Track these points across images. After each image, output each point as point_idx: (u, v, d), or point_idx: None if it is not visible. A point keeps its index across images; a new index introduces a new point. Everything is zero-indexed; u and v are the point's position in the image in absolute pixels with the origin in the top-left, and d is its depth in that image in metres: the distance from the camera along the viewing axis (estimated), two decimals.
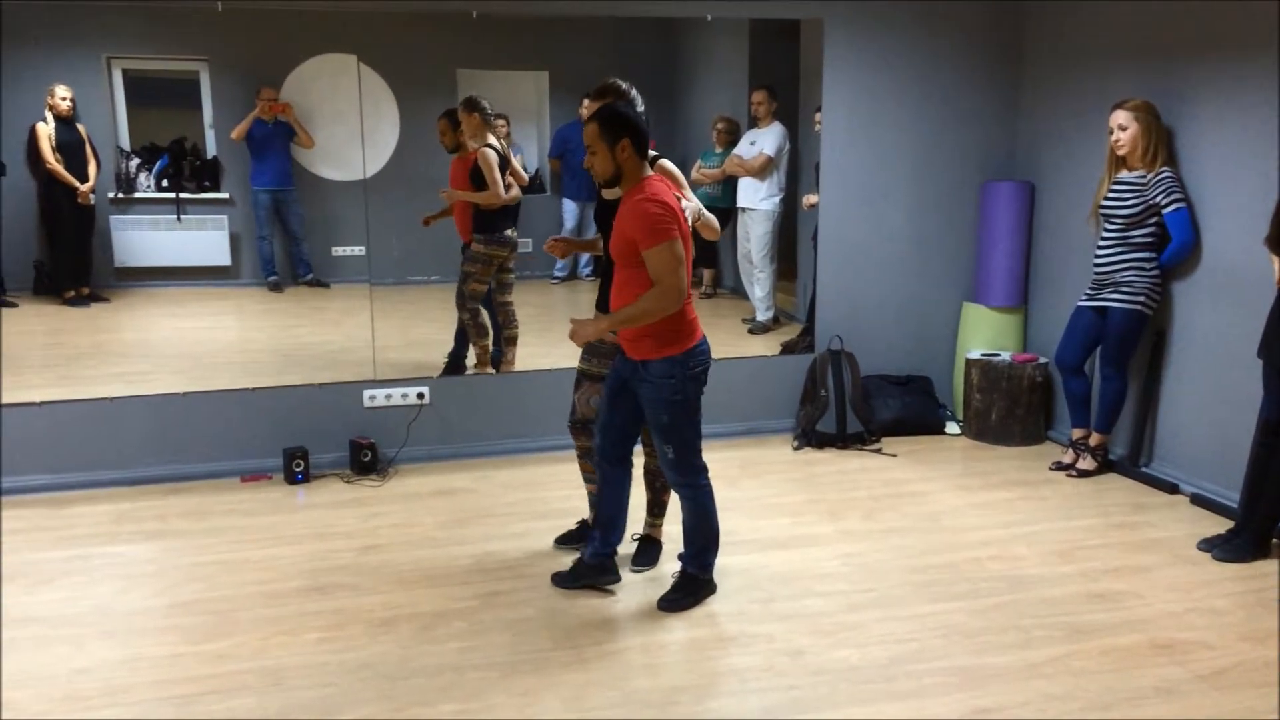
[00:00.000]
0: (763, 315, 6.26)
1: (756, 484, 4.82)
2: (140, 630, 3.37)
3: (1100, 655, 3.25)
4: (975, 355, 5.50)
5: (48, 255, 5.93)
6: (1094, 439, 4.93)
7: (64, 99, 5.72)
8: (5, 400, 4.70)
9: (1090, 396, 4.98)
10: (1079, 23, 5.19)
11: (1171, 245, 4.59)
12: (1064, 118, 5.33)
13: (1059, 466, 5.01)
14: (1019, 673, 3.14)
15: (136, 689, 3.02)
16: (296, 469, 4.78)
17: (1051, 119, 5.43)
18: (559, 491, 4.67)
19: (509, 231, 5.36)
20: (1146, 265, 4.65)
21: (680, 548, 3.66)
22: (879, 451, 5.31)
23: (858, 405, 5.44)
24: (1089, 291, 4.85)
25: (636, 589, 3.69)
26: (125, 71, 5.99)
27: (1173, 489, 4.69)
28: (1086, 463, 4.93)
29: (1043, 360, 5.42)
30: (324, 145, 5.82)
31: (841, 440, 5.38)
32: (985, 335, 5.59)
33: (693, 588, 3.61)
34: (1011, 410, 5.36)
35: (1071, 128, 5.28)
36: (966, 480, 4.89)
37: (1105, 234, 4.75)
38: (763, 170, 6.05)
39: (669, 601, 3.56)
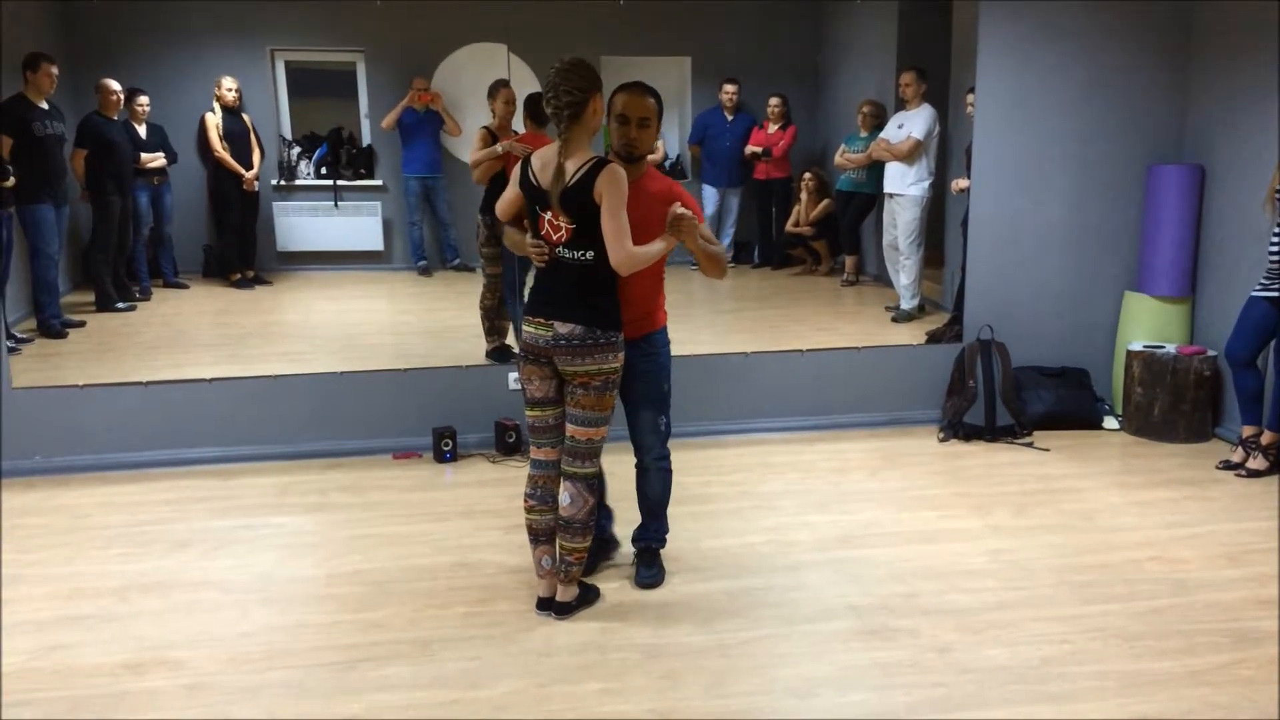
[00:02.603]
0: (908, 303, 6.12)
1: (900, 475, 4.72)
2: (301, 598, 3.54)
3: (1270, 664, 3.08)
4: (1137, 347, 5.25)
5: (215, 239, 6.26)
6: (1266, 437, 4.66)
7: (230, 90, 6.02)
8: (182, 376, 4.99)
9: (1263, 392, 4.70)
10: None
11: None
12: (1237, 97, 5.03)
13: (1227, 465, 4.75)
14: (1181, 679, 3.00)
15: (297, 654, 3.17)
16: (445, 448, 4.92)
17: (1224, 99, 5.12)
18: (696, 476, 4.68)
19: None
20: None
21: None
22: (1030, 445, 5.13)
23: (1008, 397, 5.27)
24: (1263, 281, 4.58)
25: (778, 579, 3.67)
26: (287, 63, 6.27)
27: None
28: (1257, 462, 4.66)
29: (1211, 353, 5.14)
30: (472, 133, 5.94)
31: (990, 433, 5.22)
32: (1148, 326, 5.33)
33: (660, 561, 3.71)
34: (1176, 405, 5.10)
35: (1246, 107, 4.97)
36: (1125, 478, 4.68)
37: None
38: (911, 154, 5.91)
39: (650, 579, 3.62)
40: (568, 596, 3.41)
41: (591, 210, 3.11)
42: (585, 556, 3.41)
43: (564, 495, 3.37)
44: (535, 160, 3.20)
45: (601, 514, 3.71)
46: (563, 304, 3.20)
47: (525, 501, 3.42)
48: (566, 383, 3.30)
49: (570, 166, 3.11)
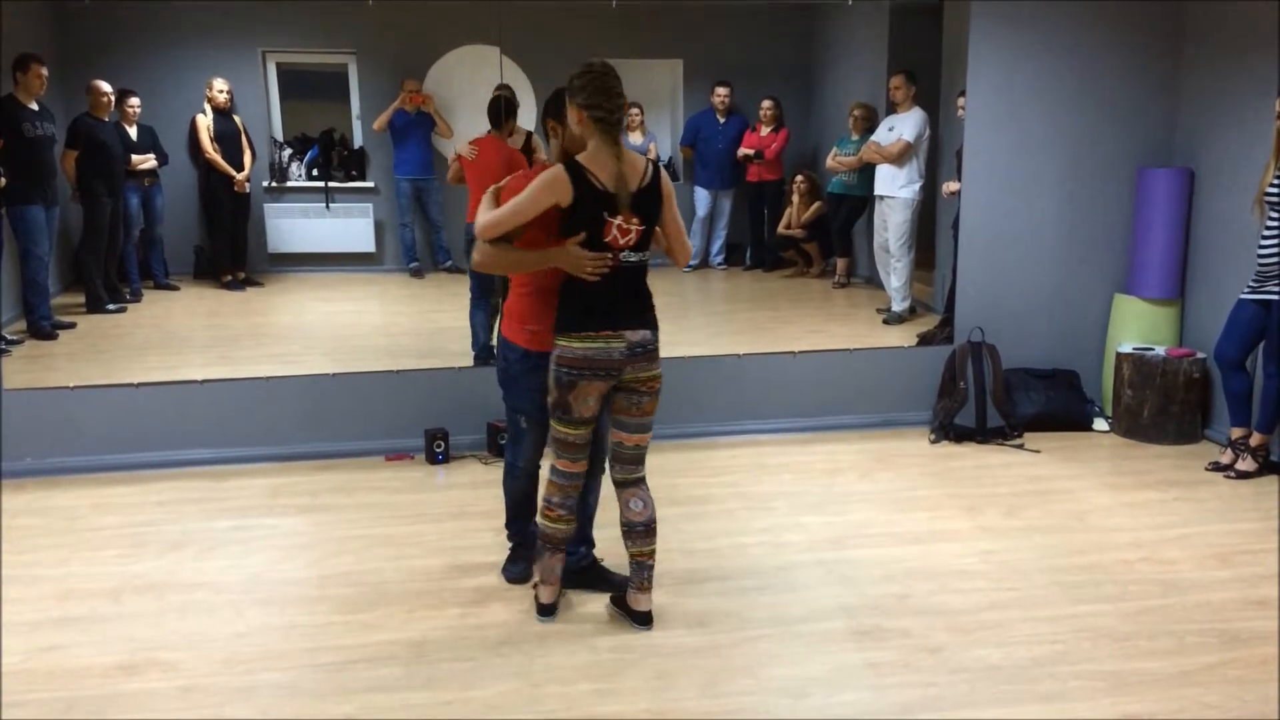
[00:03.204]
0: (899, 305, 6.14)
1: (891, 477, 4.74)
2: (294, 599, 3.54)
3: (1260, 664, 3.10)
4: (1127, 349, 5.28)
5: (206, 241, 6.25)
6: (1255, 439, 4.69)
7: (221, 91, 6.01)
8: (173, 378, 4.98)
9: (1252, 394, 4.73)
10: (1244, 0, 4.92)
11: None
12: (1227, 101, 5.06)
13: (1216, 467, 4.78)
14: (1171, 679, 3.02)
15: (291, 655, 3.17)
16: (437, 450, 4.92)
17: (1213, 102, 5.15)
18: (690, 478, 4.69)
19: None
20: None
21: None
22: (1021, 447, 5.15)
23: (999, 398, 5.29)
24: (1252, 284, 4.61)
25: (771, 579, 3.68)
26: (279, 65, 6.26)
27: None
28: (1246, 464, 4.69)
29: (1200, 355, 5.17)
30: (463, 135, 5.95)
31: (981, 434, 5.24)
32: (1138, 328, 5.36)
33: None
34: (1165, 407, 5.13)
35: (1235, 111, 5.00)
36: (1115, 479, 4.70)
37: (1270, 224, 4.49)
38: (901, 157, 5.93)
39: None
40: (651, 605, 3.35)
41: (655, 211, 3.15)
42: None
43: (635, 502, 3.27)
44: (588, 165, 3.03)
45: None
46: (629, 311, 3.13)
47: (552, 511, 3.29)
48: (626, 392, 3.17)
49: (631, 169, 3.07)
